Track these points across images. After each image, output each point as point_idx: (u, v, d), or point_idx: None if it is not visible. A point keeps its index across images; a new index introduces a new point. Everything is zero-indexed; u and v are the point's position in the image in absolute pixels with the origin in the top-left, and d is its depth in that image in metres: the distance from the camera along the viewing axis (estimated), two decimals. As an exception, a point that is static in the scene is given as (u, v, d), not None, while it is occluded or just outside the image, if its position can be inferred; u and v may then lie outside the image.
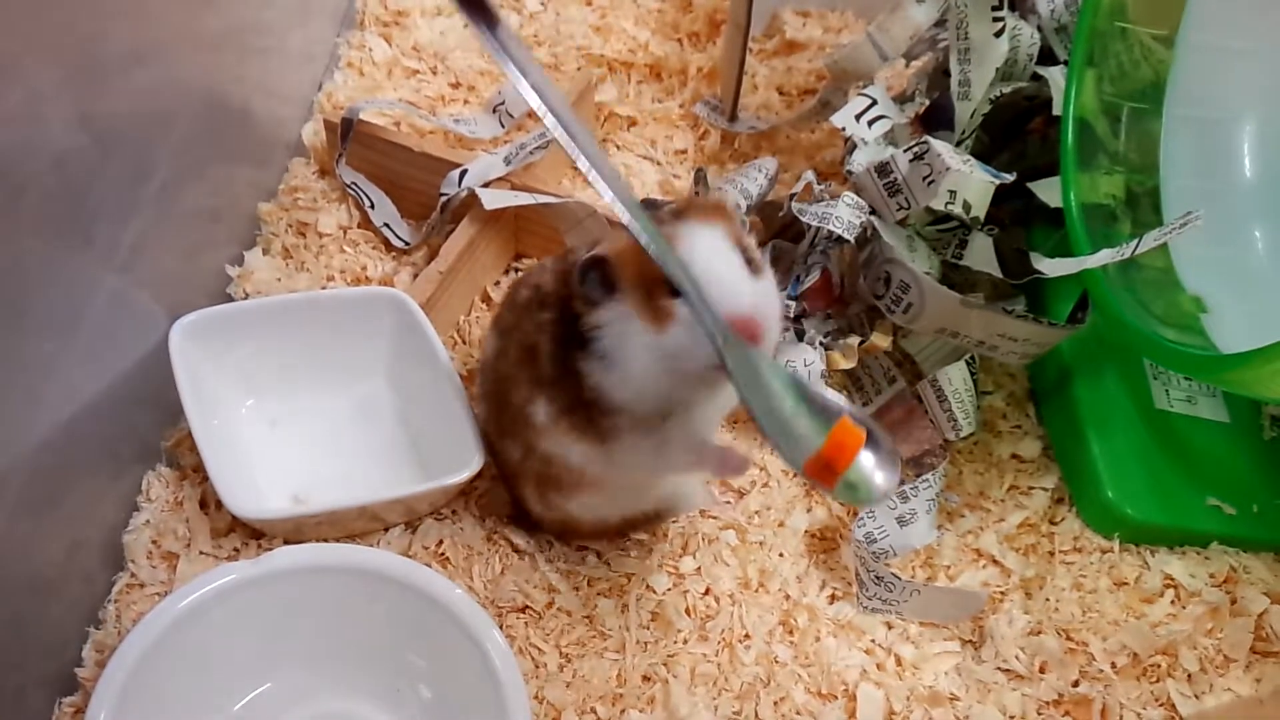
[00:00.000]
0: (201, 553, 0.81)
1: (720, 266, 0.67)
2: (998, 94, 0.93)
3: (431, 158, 0.97)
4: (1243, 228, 0.94)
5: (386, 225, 0.99)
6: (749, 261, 0.69)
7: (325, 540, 0.81)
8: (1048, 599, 0.86)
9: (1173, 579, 0.87)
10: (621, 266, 0.69)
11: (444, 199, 0.95)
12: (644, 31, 1.14)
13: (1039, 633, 0.84)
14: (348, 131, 0.99)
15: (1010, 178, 0.88)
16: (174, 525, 0.83)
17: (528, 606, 0.82)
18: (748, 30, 1.01)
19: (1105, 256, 0.85)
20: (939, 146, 0.86)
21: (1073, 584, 0.87)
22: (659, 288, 0.67)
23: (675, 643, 0.82)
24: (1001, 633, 0.84)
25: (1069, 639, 0.85)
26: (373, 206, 0.99)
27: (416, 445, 0.88)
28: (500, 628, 0.75)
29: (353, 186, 0.99)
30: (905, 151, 0.88)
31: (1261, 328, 0.77)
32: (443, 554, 0.84)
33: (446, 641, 0.74)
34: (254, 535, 0.82)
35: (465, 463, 0.82)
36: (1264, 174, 0.95)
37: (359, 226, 0.99)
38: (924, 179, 0.88)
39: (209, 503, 0.84)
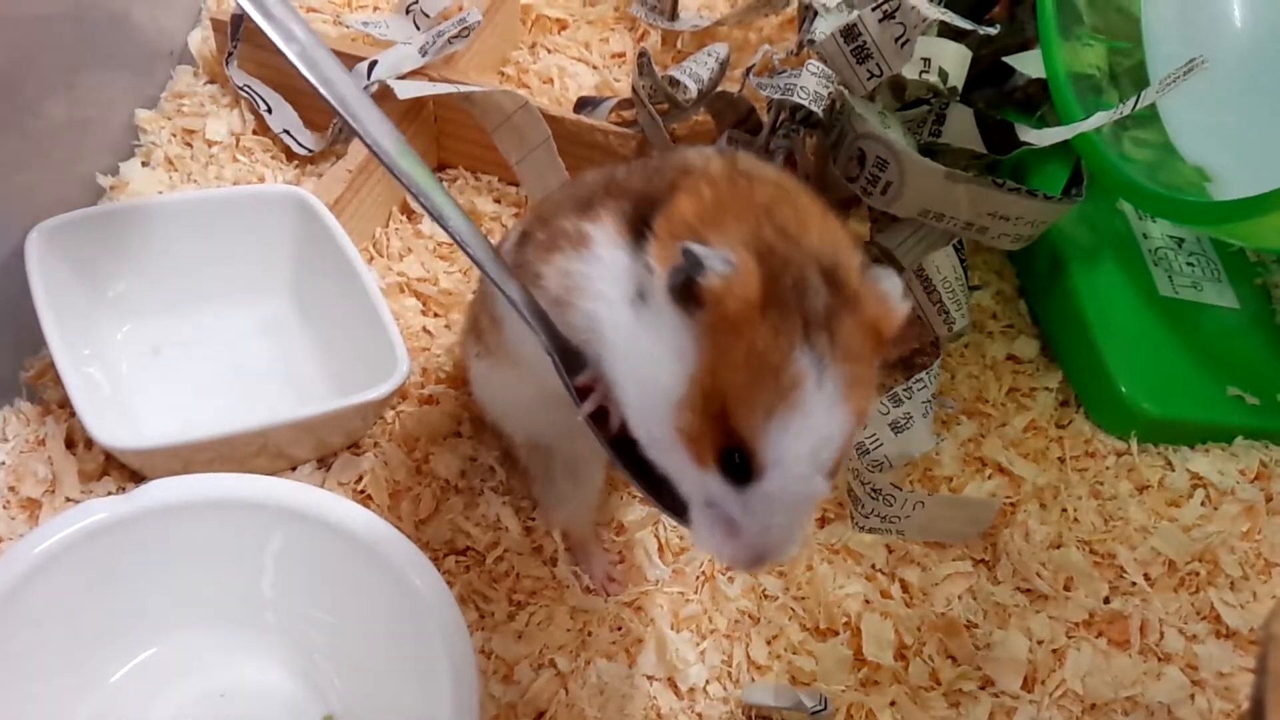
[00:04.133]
0: (68, 499, 0.64)
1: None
2: (968, -46, 0.79)
3: (337, 54, 0.79)
4: (1238, 92, 0.80)
5: (286, 132, 0.81)
6: None
7: (220, 480, 0.62)
8: (1064, 509, 0.71)
9: (1200, 477, 0.73)
10: (716, 311, 0.41)
11: (352, 94, 0.78)
12: (569, -70, 0.98)
13: (1059, 545, 0.69)
14: (238, 28, 0.81)
15: (994, 29, 0.73)
16: (35, 467, 0.64)
17: (469, 548, 0.65)
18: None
19: (1101, 118, 0.72)
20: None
21: (1090, 491, 0.72)
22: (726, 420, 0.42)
23: (648, 581, 0.65)
24: (1018, 548, 0.69)
25: (1093, 551, 0.70)
26: (270, 111, 0.81)
27: (330, 369, 0.70)
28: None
29: (246, 89, 0.81)
30: (874, 10, 0.72)
31: (1268, 187, 0.64)
32: (363, 491, 0.66)
33: (368, 588, 0.57)
34: (133, 478, 0.64)
35: (385, 378, 0.64)
36: (1255, 35, 0.82)
37: (254, 133, 0.81)
38: (896, 40, 0.72)
39: (77, 441, 0.66)
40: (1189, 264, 0.81)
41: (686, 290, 0.41)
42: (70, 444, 0.65)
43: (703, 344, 0.42)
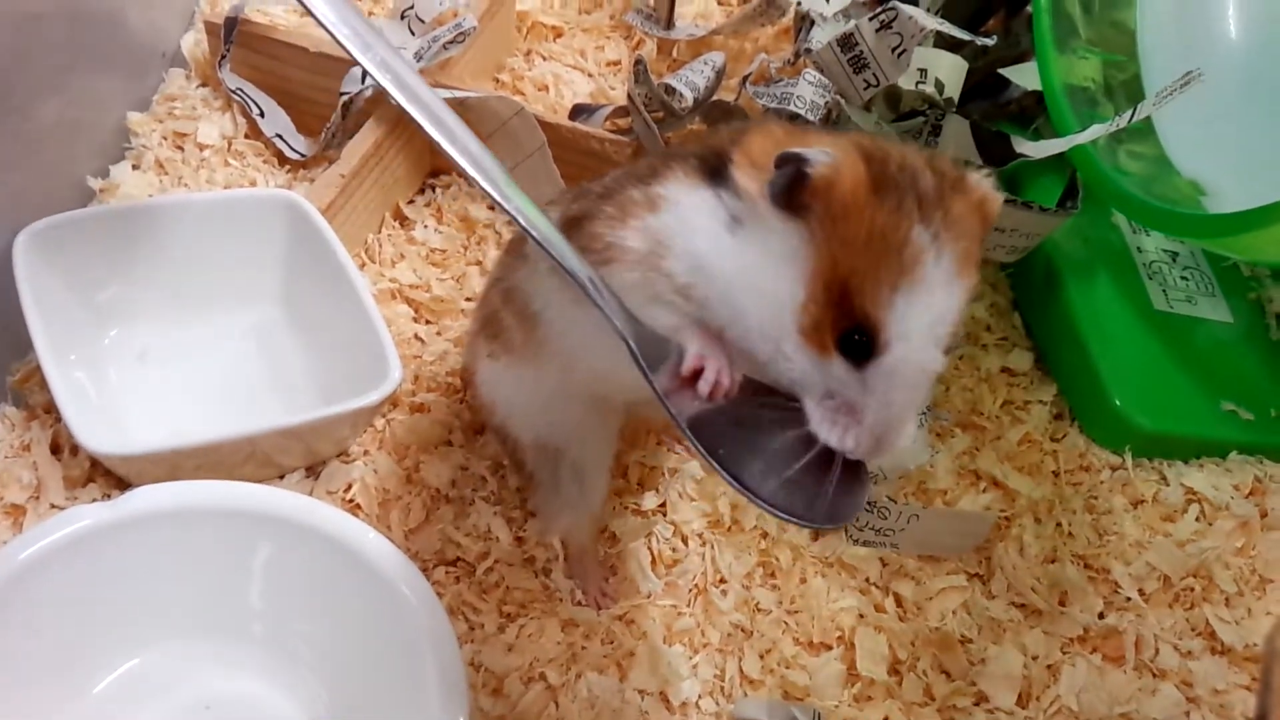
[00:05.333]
0: (53, 505, 0.62)
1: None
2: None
3: (330, 59, 0.78)
4: (1234, 105, 0.80)
5: (279, 136, 0.79)
6: None
7: (207, 488, 0.61)
8: (1059, 523, 0.70)
9: (1195, 492, 0.72)
10: (828, 203, 0.43)
11: (345, 99, 0.77)
12: (565, -61, 0.97)
13: (1054, 560, 0.68)
14: (231, 31, 0.79)
15: (990, 41, 0.73)
16: (19, 473, 0.63)
17: (459, 559, 0.64)
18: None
19: (1097, 131, 0.72)
20: (909, 9, 0.71)
21: (1085, 505, 0.71)
22: (857, 298, 0.43)
23: (640, 594, 0.64)
24: (1012, 563, 0.68)
25: (1088, 566, 0.69)
26: (262, 115, 0.80)
27: (320, 376, 0.69)
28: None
29: (238, 93, 0.80)
30: (871, 20, 0.72)
31: (1263, 201, 0.63)
32: (352, 500, 0.65)
33: (356, 598, 0.55)
34: (120, 485, 0.63)
35: (376, 385, 0.63)
36: (1249, 49, 0.82)
37: (246, 137, 0.80)
38: (893, 50, 0.72)
39: (63, 447, 0.64)
40: (1183, 278, 0.80)
41: (791, 193, 0.43)
42: (56, 450, 0.64)
43: (818, 238, 0.43)
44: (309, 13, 0.46)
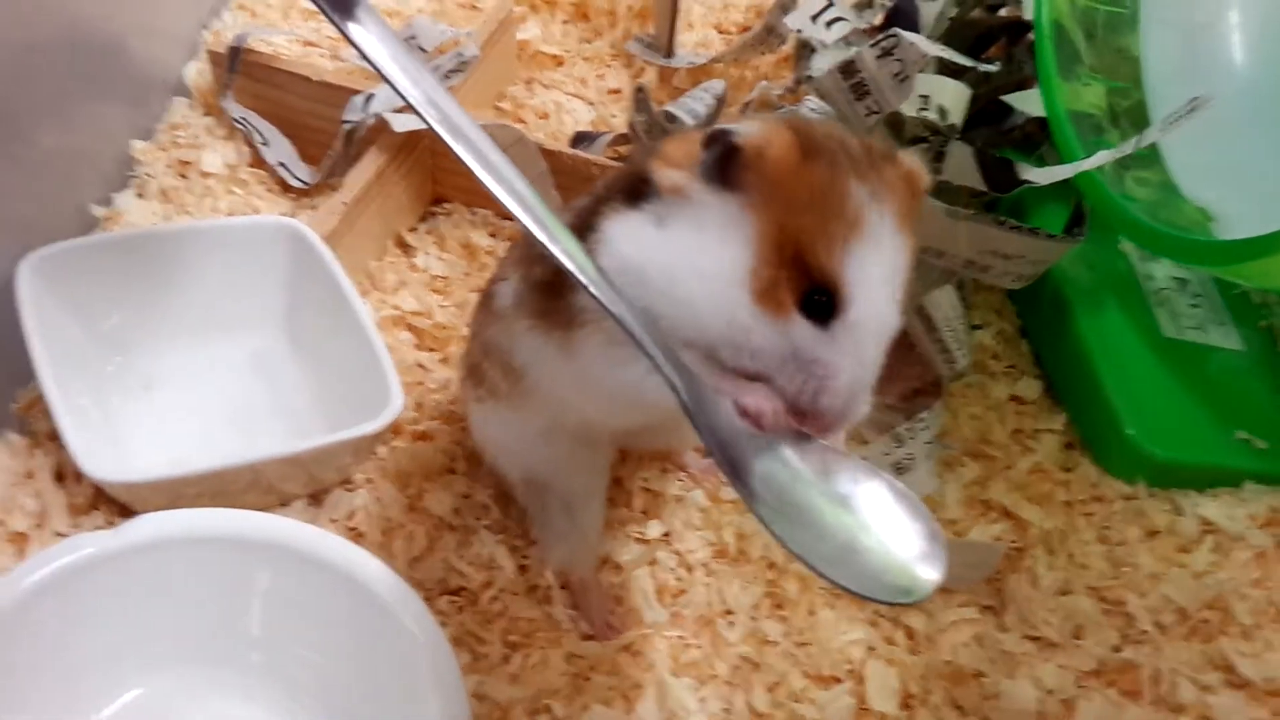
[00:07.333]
0: (57, 533, 0.62)
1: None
2: (965, -5, 0.79)
3: (333, 88, 0.79)
4: (1241, 130, 0.80)
5: (282, 164, 0.80)
6: None
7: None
8: (1072, 554, 0.69)
9: (1211, 523, 0.71)
10: (761, 170, 0.44)
11: (347, 127, 0.77)
12: (567, -29, 0.98)
13: (1068, 592, 0.67)
14: (235, 60, 0.80)
15: (994, 66, 0.73)
16: (23, 500, 0.63)
17: (462, 588, 0.63)
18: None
19: (1103, 157, 0.71)
20: (910, 36, 0.71)
21: (1097, 536, 0.70)
22: (802, 256, 0.43)
23: (645, 625, 0.63)
24: (1025, 594, 0.67)
25: (1103, 599, 0.68)
26: (266, 144, 0.80)
27: (323, 403, 0.69)
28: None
29: (242, 122, 0.80)
30: (872, 47, 0.72)
31: (1273, 227, 0.63)
32: (355, 529, 0.64)
33: (357, 628, 0.55)
34: (123, 512, 0.62)
35: (378, 413, 0.62)
36: (1255, 74, 0.82)
37: (250, 166, 0.80)
38: (895, 76, 0.72)
39: (67, 475, 0.64)
40: (1192, 305, 0.80)
41: (724, 168, 0.44)
42: (60, 477, 0.64)
43: (758, 204, 0.44)
44: (365, 59, 0.46)
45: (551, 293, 0.51)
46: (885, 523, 0.45)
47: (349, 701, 0.55)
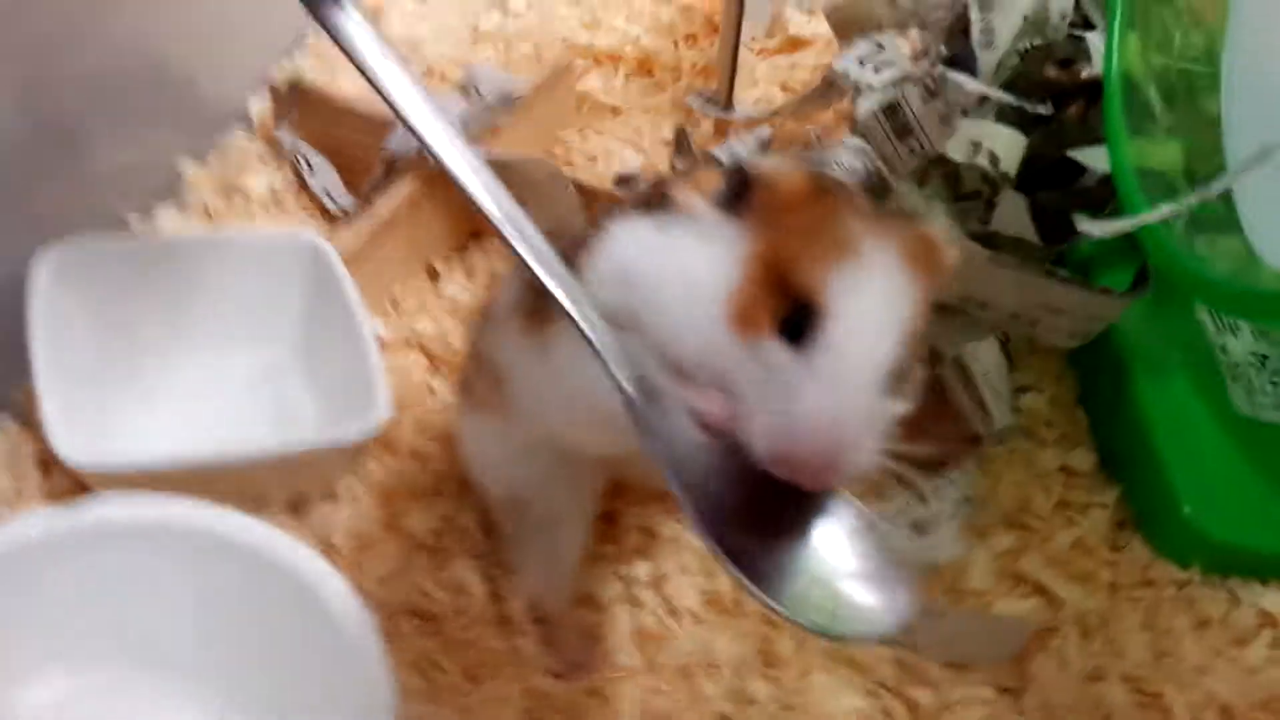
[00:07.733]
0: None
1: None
2: (1026, 45, 0.75)
3: (382, 120, 0.80)
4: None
5: (326, 191, 0.81)
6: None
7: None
8: (1110, 639, 0.62)
9: (1270, 615, 0.64)
10: (768, 200, 0.44)
11: (386, 155, 0.78)
12: (636, 28, 0.98)
13: (1100, 679, 0.60)
14: (294, 93, 0.82)
15: (1046, 109, 0.69)
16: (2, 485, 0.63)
17: (430, 612, 0.60)
18: (741, 5, 0.85)
19: (1168, 210, 0.66)
20: (957, 75, 0.68)
21: (1141, 623, 0.63)
22: (795, 282, 0.41)
23: (617, 668, 0.59)
24: (1050, 677, 0.60)
25: (1139, 690, 0.60)
26: (311, 171, 0.82)
27: (321, 418, 0.68)
28: (385, 634, 0.52)
29: (292, 149, 0.82)
30: (916, 86, 0.69)
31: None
32: (329, 540, 0.62)
33: (300, 637, 0.52)
34: (99, 505, 0.62)
35: (362, 423, 0.61)
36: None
37: (294, 191, 0.82)
38: (940, 117, 0.69)
39: (50, 463, 0.63)
40: (1273, 383, 0.72)
41: (736, 197, 0.44)
42: (44, 465, 0.64)
43: (755, 229, 0.43)
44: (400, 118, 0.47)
45: (541, 291, 0.49)
46: (832, 549, 0.42)
47: (282, 710, 0.52)
